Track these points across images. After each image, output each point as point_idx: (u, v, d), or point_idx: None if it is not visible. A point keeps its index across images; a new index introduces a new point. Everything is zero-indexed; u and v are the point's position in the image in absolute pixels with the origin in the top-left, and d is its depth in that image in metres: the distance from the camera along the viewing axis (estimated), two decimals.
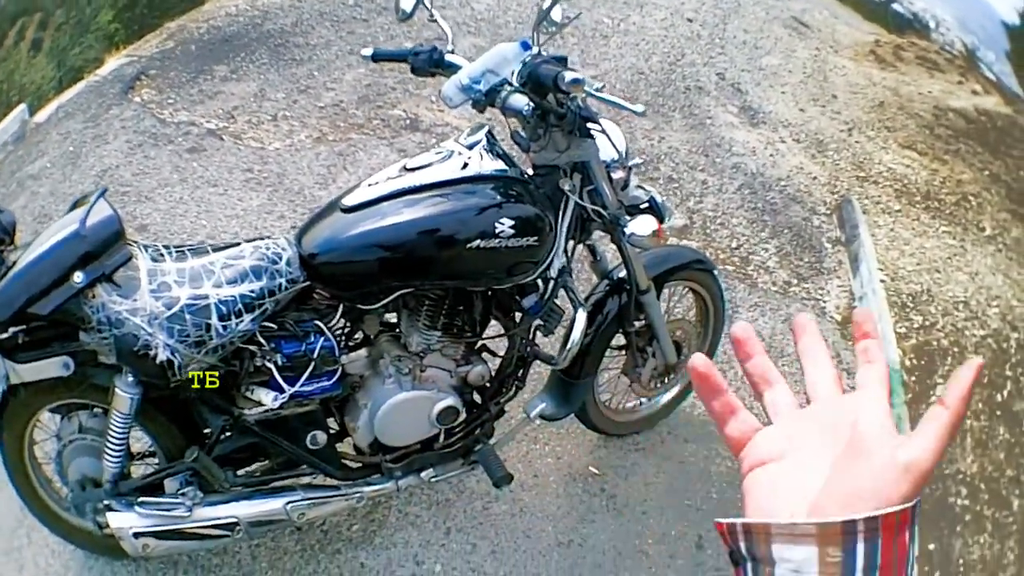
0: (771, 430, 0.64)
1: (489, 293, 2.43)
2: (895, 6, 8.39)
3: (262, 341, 2.16)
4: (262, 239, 2.23)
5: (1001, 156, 5.84)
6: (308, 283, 2.20)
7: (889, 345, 3.79)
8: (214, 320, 2.05)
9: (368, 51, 2.59)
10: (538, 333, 2.57)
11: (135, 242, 2.14)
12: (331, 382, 2.26)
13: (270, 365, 2.16)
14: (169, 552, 2.46)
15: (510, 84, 2.21)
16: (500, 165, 2.30)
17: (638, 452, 3.19)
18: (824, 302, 4.09)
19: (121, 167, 4.41)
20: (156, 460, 2.45)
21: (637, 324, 2.80)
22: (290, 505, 2.40)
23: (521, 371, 2.63)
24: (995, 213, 5.11)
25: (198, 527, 2.34)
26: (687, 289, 3.06)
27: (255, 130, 4.80)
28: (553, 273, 2.41)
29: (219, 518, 2.35)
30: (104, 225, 2.05)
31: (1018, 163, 5.83)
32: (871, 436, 0.55)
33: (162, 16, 6.01)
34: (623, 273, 2.69)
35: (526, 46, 2.20)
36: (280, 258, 2.16)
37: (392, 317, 2.46)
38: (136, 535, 2.28)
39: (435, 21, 2.49)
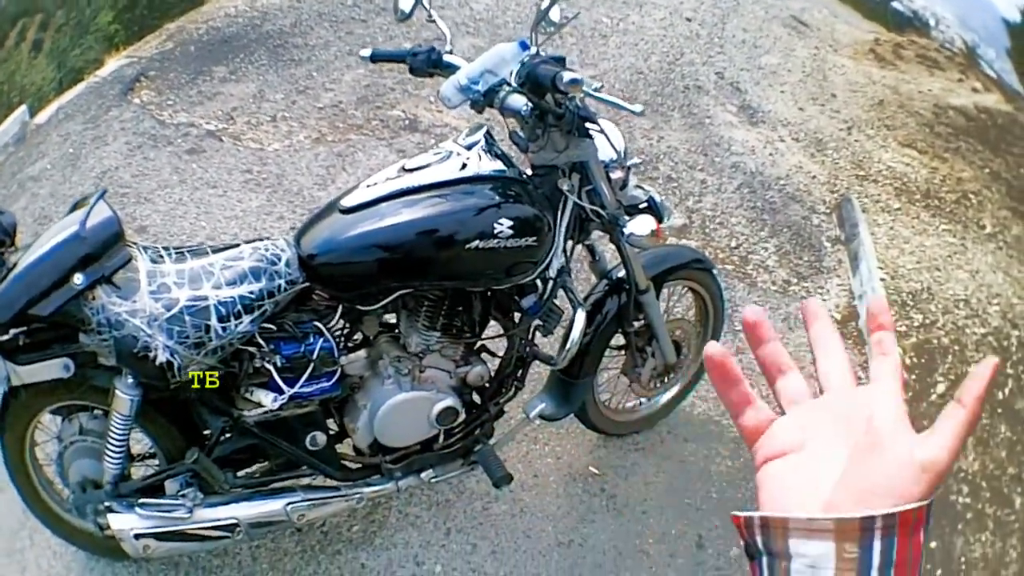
0: (785, 421, 0.63)
1: (488, 293, 2.43)
2: (895, 4, 8.38)
3: (261, 342, 2.16)
4: (261, 240, 2.23)
5: (1002, 154, 5.84)
6: (307, 284, 2.21)
7: None
8: (213, 321, 2.05)
9: (367, 52, 2.59)
10: (537, 333, 2.57)
11: (135, 243, 2.15)
12: (330, 383, 2.26)
13: (269, 366, 2.16)
14: (170, 553, 2.46)
15: (508, 84, 2.21)
16: (498, 165, 2.30)
17: (638, 452, 3.19)
18: (824, 301, 4.08)
19: (121, 168, 4.42)
20: (156, 461, 2.45)
21: (636, 324, 2.80)
22: (290, 506, 2.40)
23: (520, 371, 2.63)
24: (995, 211, 5.11)
25: (199, 528, 2.34)
26: (686, 289, 3.06)
27: (254, 131, 4.80)
28: (552, 273, 2.41)
29: (219, 519, 2.35)
30: (104, 227, 2.05)
31: (1018, 161, 5.82)
32: (887, 432, 0.55)
33: (162, 17, 6.02)
34: (622, 273, 2.69)
35: (524, 46, 2.20)
36: (279, 259, 2.16)
37: (391, 318, 2.46)
38: (137, 536, 2.28)
39: (433, 21, 2.49)
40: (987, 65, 7.66)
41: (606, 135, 2.35)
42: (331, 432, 2.44)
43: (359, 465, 2.55)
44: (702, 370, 3.19)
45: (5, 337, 2.06)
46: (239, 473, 2.44)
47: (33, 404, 2.28)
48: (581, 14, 6.17)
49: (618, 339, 2.87)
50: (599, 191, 2.43)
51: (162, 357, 2.01)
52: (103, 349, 2.05)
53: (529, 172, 2.39)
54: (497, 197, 2.25)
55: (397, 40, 5.59)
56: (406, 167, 2.29)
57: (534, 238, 2.28)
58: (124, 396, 2.14)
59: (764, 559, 0.57)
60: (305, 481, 2.53)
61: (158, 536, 2.30)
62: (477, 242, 2.20)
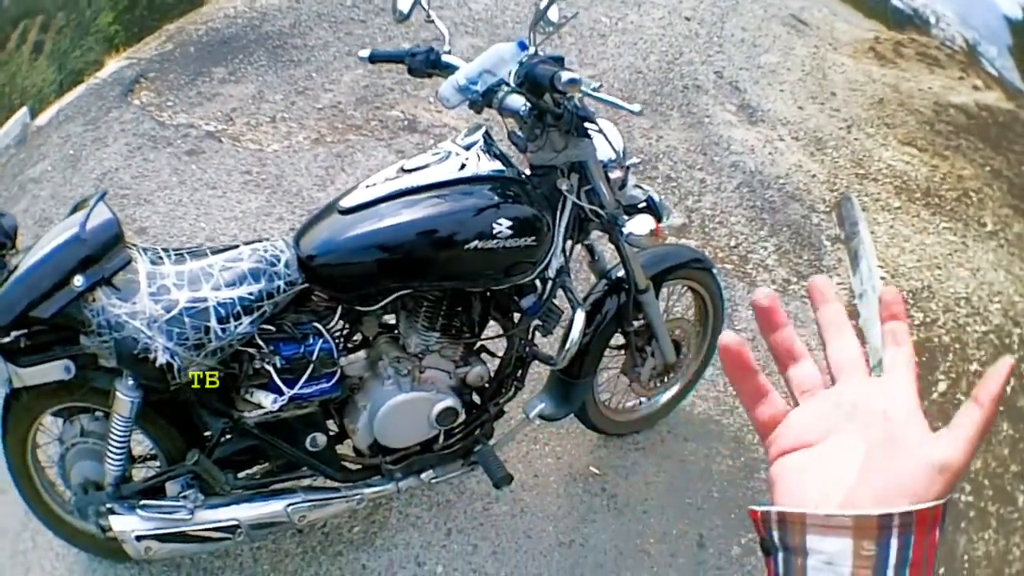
0: (800, 414, 0.62)
1: (487, 294, 2.44)
2: (895, 2, 8.36)
3: (261, 343, 2.16)
4: (260, 241, 2.23)
5: (1003, 151, 5.83)
6: (306, 285, 2.21)
7: None
8: (213, 323, 2.05)
9: (365, 52, 2.59)
10: (537, 333, 2.57)
11: (134, 245, 2.15)
12: (330, 384, 2.26)
13: (269, 367, 2.16)
14: (171, 555, 2.46)
15: (507, 84, 2.21)
16: (497, 166, 2.30)
17: (638, 451, 3.19)
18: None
19: (121, 170, 4.42)
20: (157, 463, 2.46)
21: (636, 323, 2.80)
22: (291, 507, 2.40)
23: (520, 371, 2.63)
24: (997, 209, 5.10)
25: (200, 530, 2.34)
26: (686, 288, 3.06)
27: (253, 132, 4.80)
28: (551, 273, 2.42)
29: (220, 521, 2.35)
30: (103, 228, 2.06)
31: (1020, 158, 5.81)
32: (904, 430, 0.55)
33: (161, 18, 6.03)
34: (621, 272, 2.69)
35: (523, 46, 2.19)
36: (278, 260, 2.16)
37: (391, 318, 2.46)
38: (138, 538, 2.28)
39: (432, 22, 2.49)
40: (988, 63, 7.64)
41: (605, 135, 2.35)
42: (331, 433, 2.44)
43: (359, 466, 2.55)
44: (702, 369, 3.19)
45: (6, 339, 2.06)
46: (240, 474, 2.44)
47: (35, 406, 2.28)
48: (580, 14, 6.18)
49: (618, 339, 2.87)
50: (598, 191, 2.43)
51: (162, 359, 2.02)
52: (103, 351, 2.05)
53: (528, 172, 2.39)
54: (496, 197, 2.26)
55: (396, 40, 5.59)
56: (405, 168, 2.29)
57: (533, 238, 2.28)
58: (124, 398, 2.15)
59: (780, 555, 0.56)
60: (306, 482, 2.53)
61: (159, 537, 2.30)
62: (476, 242, 2.20)
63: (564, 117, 2.20)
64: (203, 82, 5.24)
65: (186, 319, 2.03)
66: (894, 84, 6.39)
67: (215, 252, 2.19)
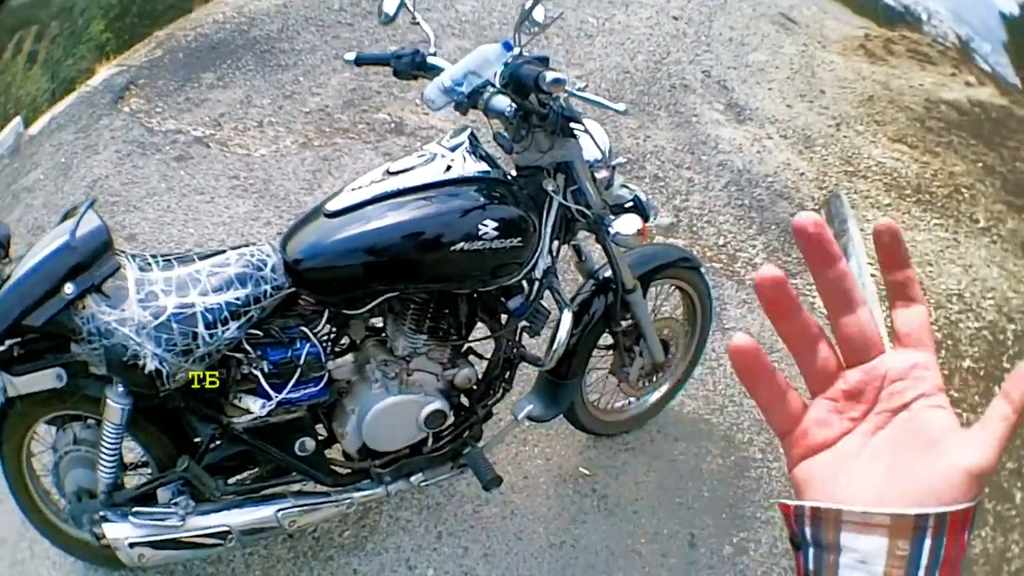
0: (819, 412, 0.59)
1: (474, 295, 2.44)
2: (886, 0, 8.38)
3: (248, 348, 2.16)
4: (247, 246, 2.24)
5: (996, 147, 5.83)
6: (293, 289, 2.21)
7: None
8: (200, 328, 2.06)
9: (351, 55, 2.60)
10: (524, 334, 2.57)
11: (123, 252, 2.16)
12: (318, 388, 2.26)
13: (257, 372, 2.17)
14: (165, 562, 2.46)
15: (492, 85, 2.21)
16: (483, 167, 2.31)
17: (628, 451, 3.20)
18: (813, 298, 4.08)
19: (111, 177, 4.42)
20: (149, 470, 2.46)
21: (624, 323, 2.80)
22: (281, 512, 2.40)
23: (508, 373, 2.63)
24: (989, 204, 5.10)
25: (191, 536, 2.34)
26: (674, 287, 3.06)
27: (241, 137, 4.80)
28: (538, 274, 2.42)
29: (211, 527, 2.35)
30: (93, 236, 2.07)
31: (1014, 154, 5.81)
32: (933, 426, 0.54)
33: (152, 25, 6.03)
34: (609, 273, 2.69)
35: (508, 47, 2.20)
36: (265, 265, 2.16)
37: (378, 322, 2.46)
38: (131, 545, 2.29)
39: (417, 23, 2.49)
40: (982, 59, 7.64)
41: (591, 135, 2.36)
42: (320, 437, 2.44)
43: (349, 470, 2.55)
44: (691, 369, 3.20)
45: (1, 348, 2.07)
46: (230, 480, 2.44)
47: (29, 415, 2.30)
48: (566, 14, 6.19)
49: (606, 339, 2.87)
50: (584, 191, 2.43)
51: (151, 365, 2.02)
52: (94, 358, 2.06)
53: (514, 173, 2.39)
54: (482, 198, 2.26)
55: (383, 43, 5.58)
56: (391, 170, 2.29)
57: (519, 239, 2.28)
58: (115, 405, 2.15)
59: (811, 550, 0.55)
60: (296, 487, 2.53)
61: (152, 544, 2.31)
62: (462, 244, 2.20)
63: (549, 117, 2.21)
64: (192, 88, 5.24)
65: (174, 325, 2.04)
66: (884, 81, 6.40)
67: (202, 257, 2.19)
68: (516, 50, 2.24)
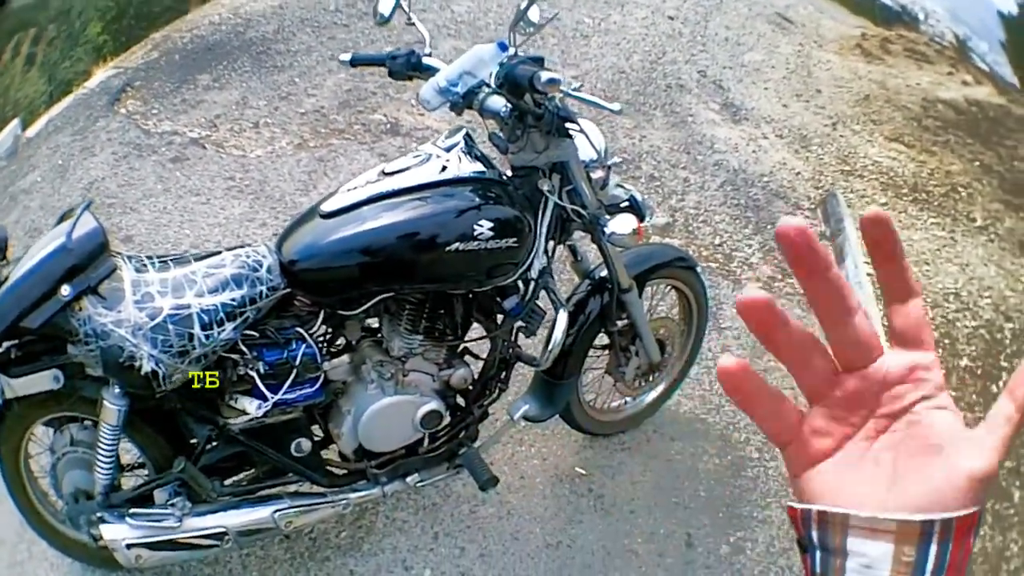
0: (816, 421, 0.58)
1: (470, 296, 2.44)
2: None
3: (244, 349, 2.16)
4: (243, 247, 2.24)
5: (993, 146, 5.83)
6: (289, 290, 2.21)
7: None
8: (196, 329, 2.06)
9: (346, 56, 2.60)
10: (520, 334, 2.57)
11: (119, 253, 2.16)
12: (314, 389, 2.26)
13: (253, 373, 2.17)
14: (162, 563, 2.46)
15: (487, 86, 2.21)
16: (478, 167, 2.31)
17: (624, 451, 3.20)
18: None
19: (107, 179, 4.43)
20: (146, 472, 2.46)
21: (619, 323, 2.80)
22: (277, 513, 2.40)
23: (504, 373, 2.63)
24: (986, 203, 5.11)
25: (188, 537, 2.34)
26: (670, 287, 3.06)
27: (237, 138, 4.80)
28: (534, 274, 2.42)
29: (208, 528, 2.35)
30: (89, 238, 2.07)
31: (1012, 153, 5.81)
32: (939, 437, 0.54)
33: (148, 26, 6.04)
34: (604, 272, 2.69)
35: (503, 47, 2.20)
36: (261, 266, 2.16)
37: (374, 322, 2.46)
38: (129, 546, 2.29)
39: (413, 24, 2.49)
40: (979, 58, 7.64)
41: (586, 135, 2.35)
42: (316, 438, 2.44)
43: (345, 471, 2.55)
44: (687, 368, 3.20)
45: None
46: (226, 481, 2.44)
47: (26, 416, 2.30)
48: (562, 14, 6.20)
49: (602, 339, 2.87)
50: (580, 191, 2.43)
51: (147, 366, 2.02)
52: (90, 360, 2.06)
53: (509, 173, 2.39)
54: (477, 199, 2.26)
55: (379, 44, 5.58)
56: (386, 171, 2.29)
57: (515, 239, 2.28)
58: (111, 406, 2.15)
59: (818, 553, 0.55)
60: (292, 488, 2.53)
61: (149, 545, 2.31)
62: (458, 244, 2.20)
63: (544, 117, 2.21)
64: (188, 89, 5.24)
65: (170, 326, 2.04)
66: (881, 80, 6.41)
67: (198, 258, 2.20)
68: (511, 50, 2.24)
